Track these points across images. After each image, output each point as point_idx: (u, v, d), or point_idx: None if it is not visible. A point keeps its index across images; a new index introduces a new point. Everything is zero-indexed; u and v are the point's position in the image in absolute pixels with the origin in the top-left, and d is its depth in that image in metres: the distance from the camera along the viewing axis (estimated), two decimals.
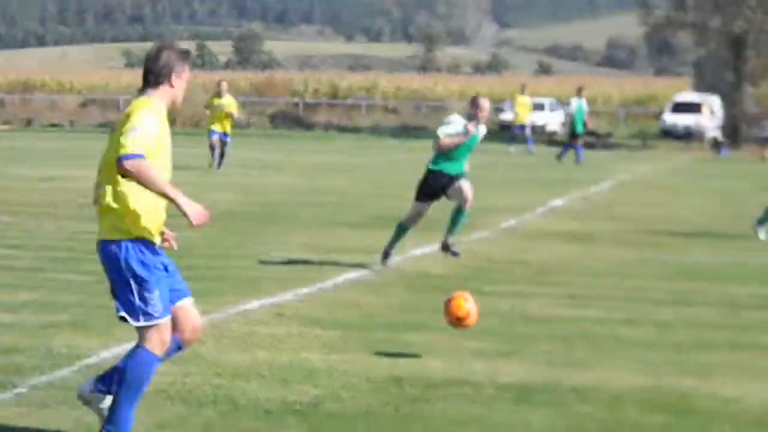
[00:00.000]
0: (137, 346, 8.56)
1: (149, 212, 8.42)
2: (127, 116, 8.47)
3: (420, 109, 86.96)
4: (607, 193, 35.59)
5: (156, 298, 8.42)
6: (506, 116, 73.01)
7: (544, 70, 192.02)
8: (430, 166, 18.11)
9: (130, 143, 8.20)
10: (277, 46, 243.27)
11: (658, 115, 73.34)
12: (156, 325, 8.46)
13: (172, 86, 8.69)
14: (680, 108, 69.46)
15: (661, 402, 10.76)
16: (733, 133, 66.28)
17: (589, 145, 56.40)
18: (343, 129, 75.49)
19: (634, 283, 17.84)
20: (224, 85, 39.86)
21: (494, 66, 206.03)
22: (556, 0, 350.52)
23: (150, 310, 8.41)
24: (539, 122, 67.76)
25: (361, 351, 12.56)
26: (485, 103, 17.81)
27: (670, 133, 67.85)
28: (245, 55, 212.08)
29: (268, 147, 56.72)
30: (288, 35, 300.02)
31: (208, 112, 40.06)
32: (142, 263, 8.41)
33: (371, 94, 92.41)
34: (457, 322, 12.03)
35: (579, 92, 50.93)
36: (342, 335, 13.36)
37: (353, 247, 20.80)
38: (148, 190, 8.25)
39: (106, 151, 8.56)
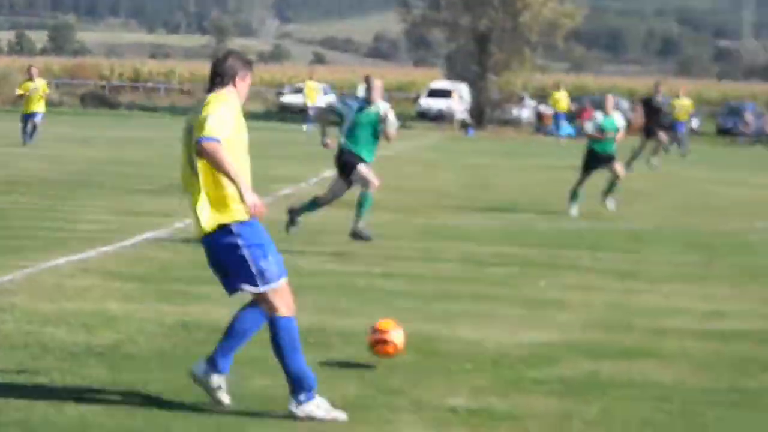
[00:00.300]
0: (271, 320, 8.44)
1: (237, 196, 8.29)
2: (204, 109, 8.36)
3: None
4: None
5: (271, 263, 8.33)
6: (287, 99, 73.57)
7: (319, 60, 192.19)
8: (342, 143, 17.31)
9: (208, 127, 8.14)
10: (88, 35, 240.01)
11: (415, 100, 74.35)
12: (274, 289, 8.37)
13: (235, 87, 8.59)
14: (434, 93, 70.81)
15: (410, 344, 10.94)
16: (479, 115, 67.52)
17: None
18: (143, 108, 74.83)
19: (392, 242, 18.03)
20: (34, 70, 39.00)
21: (276, 56, 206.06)
22: None
23: (267, 275, 8.31)
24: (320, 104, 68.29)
25: (155, 301, 12.57)
26: (377, 83, 17.16)
27: (425, 115, 68.98)
28: (59, 44, 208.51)
29: (78, 124, 55.91)
30: (97, 26, 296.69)
31: (19, 92, 38.87)
32: (252, 237, 8.29)
33: (169, 79, 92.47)
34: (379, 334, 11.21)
35: (366, 80, 51.24)
36: (139, 287, 13.34)
37: (151, 210, 20.77)
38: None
39: (194, 148, 8.36)
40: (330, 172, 31.25)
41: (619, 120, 22.96)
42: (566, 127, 60.18)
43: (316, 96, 58.46)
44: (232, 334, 8.67)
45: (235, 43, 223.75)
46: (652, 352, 11.03)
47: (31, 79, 38.34)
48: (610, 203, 23.54)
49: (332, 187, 17.52)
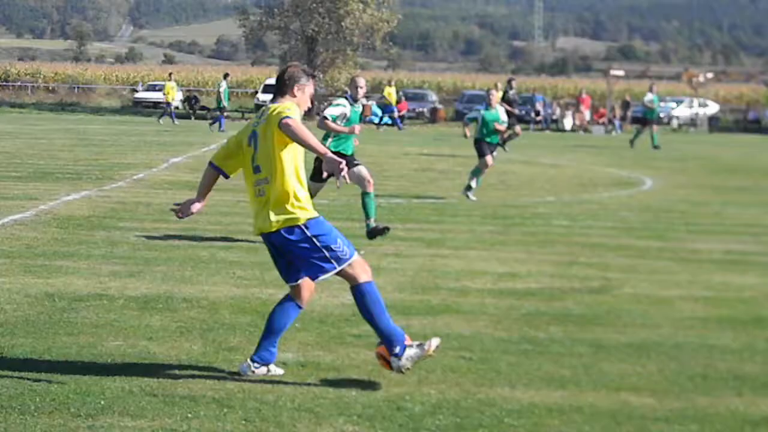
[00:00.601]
0: (354, 288, 8.26)
1: (307, 195, 8.18)
2: (271, 116, 8.11)
3: (74, 89, 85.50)
4: (210, 152, 35.61)
5: (341, 245, 8.10)
6: (141, 95, 73.29)
7: (169, 60, 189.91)
8: (329, 145, 15.52)
9: (287, 111, 8.00)
10: None
11: (253, 94, 74.33)
12: (350, 262, 8.15)
13: (294, 96, 8.38)
14: (269, 89, 70.48)
15: (248, 307, 10.94)
16: (308, 109, 67.41)
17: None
18: (12, 105, 73.19)
19: (232, 219, 17.94)
20: None
21: (131, 57, 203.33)
22: (178, 6, 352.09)
23: (341, 256, 8.07)
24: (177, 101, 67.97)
25: (21, 274, 12.30)
26: (361, 81, 15.83)
27: (261, 106, 69.00)
28: None
29: None
30: None
31: None
32: (320, 229, 8.09)
33: (35, 78, 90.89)
34: None
35: (225, 76, 54.44)
36: (6, 262, 13.05)
37: (18, 194, 20.28)
38: (302, 177, 8.14)
39: (260, 152, 8.16)
40: (177, 158, 31.13)
41: (501, 113, 22.77)
42: (388, 119, 61.08)
43: (175, 94, 58.38)
44: (273, 331, 8.47)
45: (95, 46, 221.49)
46: (455, 309, 11.16)
47: None
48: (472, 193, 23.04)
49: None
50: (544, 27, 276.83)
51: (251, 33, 75.40)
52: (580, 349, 9.45)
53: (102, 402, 7.58)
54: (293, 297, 8.51)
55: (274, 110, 8.11)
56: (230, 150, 8.50)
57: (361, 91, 15.66)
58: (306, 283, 8.42)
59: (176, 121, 55.70)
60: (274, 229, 8.09)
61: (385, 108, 59.82)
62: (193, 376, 8.31)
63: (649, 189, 26.66)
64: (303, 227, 8.07)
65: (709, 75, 78.65)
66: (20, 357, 8.75)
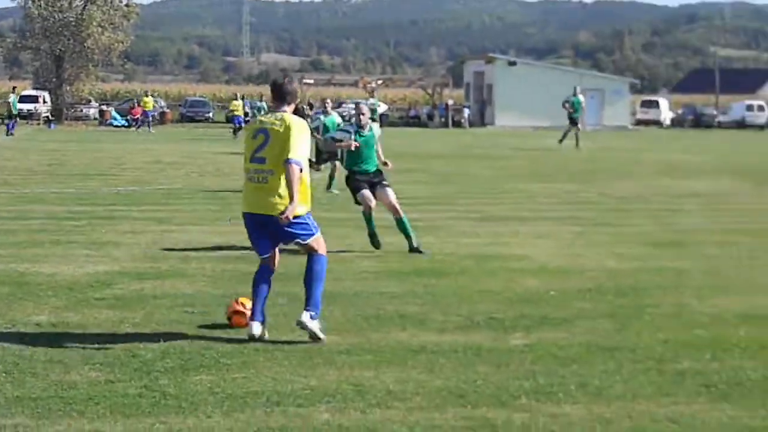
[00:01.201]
0: (315, 255, 8.21)
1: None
2: (288, 127, 8.00)
3: None
4: None
5: (312, 222, 8.18)
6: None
7: None
8: (349, 168, 13.50)
9: (300, 152, 7.99)
10: None
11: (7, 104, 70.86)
12: (318, 236, 8.24)
13: (291, 104, 8.33)
14: (24, 99, 67.79)
15: (6, 280, 10.54)
16: (58, 114, 65.29)
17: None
18: None
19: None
20: None
21: None
22: None
23: (314, 230, 8.15)
24: None
25: None
26: (364, 108, 13.82)
27: (19, 114, 65.78)
28: None
29: None
30: None
31: None
32: (308, 214, 8.13)
33: None
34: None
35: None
36: None
37: None
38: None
39: (270, 148, 7.99)
40: None
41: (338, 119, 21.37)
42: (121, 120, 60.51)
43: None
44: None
45: None
46: (180, 273, 11.07)
47: None
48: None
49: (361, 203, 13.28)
50: (251, 45, 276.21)
51: (8, 53, 73.60)
52: (279, 300, 9.43)
53: None
54: (266, 265, 8.39)
55: (293, 125, 8.07)
56: None
57: (364, 118, 13.59)
58: (275, 252, 8.37)
59: None
60: (275, 213, 7.98)
61: (146, 113, 58.41)
62: None
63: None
64: (306, 215, 8.19)
65: (380, 82, 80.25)
66: None
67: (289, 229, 8.10)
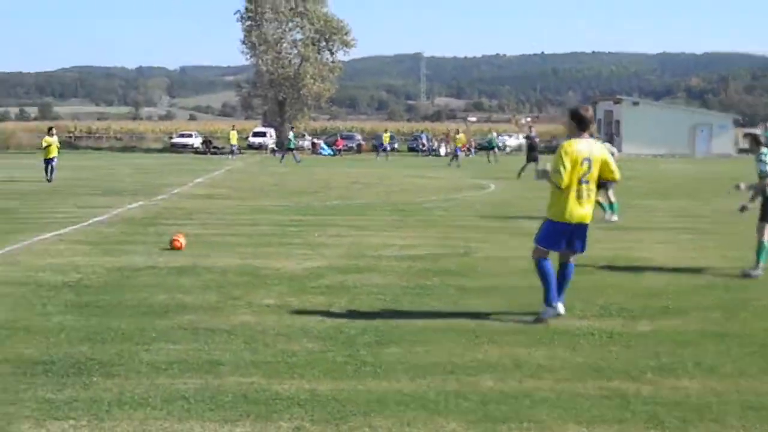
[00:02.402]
0: (570, 263, 8.19)
1: None
2: (603, 151, 7.85)
3: (132, 138, 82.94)
4: (220, 175, 35.28)
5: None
6: (175, 140, 71.42)
7: (192, 118, 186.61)
8: None
9: (618, 173, 7.97)
10: None
11: (246, 138, 73.15)
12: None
13: (587, 130, 7.82)
14: (256, 134, 70.23)
15: (246, 271, 10.75)
16: (281, 146, 67.02)
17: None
18: (93, 148, 70.94)
19: (233, 217, 17.73)
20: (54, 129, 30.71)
21: (168, 117, 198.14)
22: (197, 84, 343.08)
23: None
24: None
25: (101, 255, 12.02)
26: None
27: (251, 146, 68.27)
28: None
29: None
30: None
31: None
32: None
33: (108, 131, 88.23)
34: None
35: (291, 128, 52.23)
36: (91, 247, 12.75)
37: (98, 204, 19.86)
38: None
39: (591, 172, 7.75)
40: (200, 179, 30.77)
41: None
42: (328, 149, 61.96)
43: (235, 140, 55.56)
44: (566, 281, 8.21)
45: (145, 110, 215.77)
46: (374, 269, 11.11)
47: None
48: None
49: None
50: (426, 91, 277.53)
51: (244, 100, 76.39)
52: (451, 291, 9.47)
53: (154, 335, 7.51)
54: (563, 260, 8.23)
55: (603, 153, 7.85)
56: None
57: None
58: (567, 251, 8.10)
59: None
60: (588, 221, 7.91)
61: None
62: (211, 317, 8.24)
63: (493, 191, 26.84)
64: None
65: (528, 119, 79.35)
66: (102, 306, 8.63)
67: (584, 235, 7.96)
